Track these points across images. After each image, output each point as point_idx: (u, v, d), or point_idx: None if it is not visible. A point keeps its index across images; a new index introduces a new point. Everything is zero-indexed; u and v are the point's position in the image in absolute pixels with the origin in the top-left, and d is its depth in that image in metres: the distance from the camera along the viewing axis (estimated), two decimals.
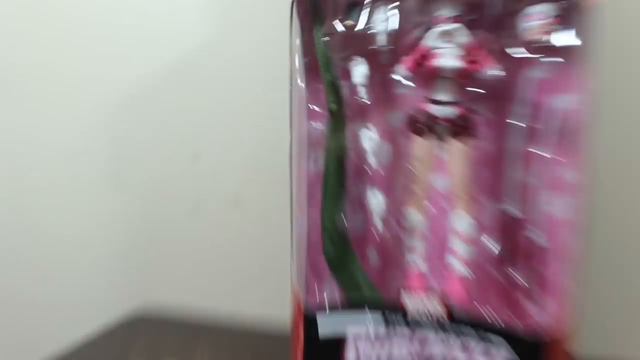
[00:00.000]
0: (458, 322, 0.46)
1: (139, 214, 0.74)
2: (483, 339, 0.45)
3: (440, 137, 0.48)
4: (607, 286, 0.63)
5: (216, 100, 0.71)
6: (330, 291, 0.51)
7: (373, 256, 0.52)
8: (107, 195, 0.74)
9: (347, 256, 0.50)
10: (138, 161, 0.75)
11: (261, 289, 0.71)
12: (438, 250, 0.51)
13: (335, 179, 0.50)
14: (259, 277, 0.71)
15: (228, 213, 0.73)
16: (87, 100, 0.74)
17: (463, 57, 0.45)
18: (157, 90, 0.71)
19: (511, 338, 0.45)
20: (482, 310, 0.47)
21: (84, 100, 0.74)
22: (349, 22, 0.48)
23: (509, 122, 0.48)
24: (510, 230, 0.49)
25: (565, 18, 0.44)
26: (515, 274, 0.49)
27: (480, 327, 0.45)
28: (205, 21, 0.69)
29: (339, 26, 0.48)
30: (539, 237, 0.47)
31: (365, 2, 0.48)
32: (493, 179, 0.50)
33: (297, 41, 0.48)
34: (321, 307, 0.48)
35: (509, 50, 0.46)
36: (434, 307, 0.47)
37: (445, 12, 0.46)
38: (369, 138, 0.50)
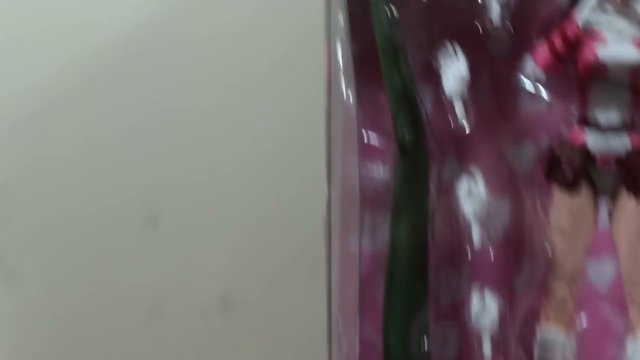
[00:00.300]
0: None
1: (56, 324, 0.59)
2: None
3: (603, 191, 0.37)
4: None
5: (188, 133, 0.56)
6: None
7: None
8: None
9: None
10: (50, 233, 0.59)
11: None
12: None
13: (409, 267, 0.39)
14: None
15: (212, 323, 0.56)
16: None
17: None
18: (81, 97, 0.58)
19: None
20: None
21: None
22: None
23: None
24: None
25: None
26: None
27: None
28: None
29: None
30: None
31: None
32: None
33: (341, 19, 0.38)
34: None
35: None
36: None
37: None
38: (473, 194, 0.37)
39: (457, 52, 0.37)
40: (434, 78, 0.38)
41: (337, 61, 0.37)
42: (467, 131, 0.39)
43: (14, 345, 0.62)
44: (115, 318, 0.61)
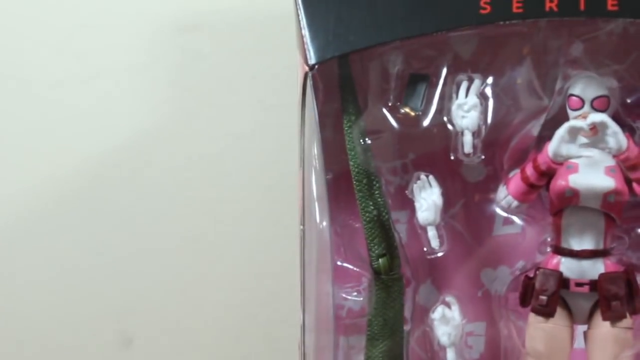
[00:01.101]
0: None
1: None
2: None
3: (578, 316, 0.37)
4: None
5: (159, 254, 0.56)
6: None
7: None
8: None
9: None
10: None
11: None
12: None
13: None
14: None
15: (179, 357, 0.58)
16: None
17: (620, 172, 0.36)
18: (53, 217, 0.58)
19: None
20: None
21: None
22: (410, 110, 0.37)
23: None
24: None
25: None
26: None
27: None
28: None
29: (392, 117, 0.38)
30: None
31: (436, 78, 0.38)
32: None
33: (314, 146, 0.37)
34: None
35: None
36: None
37: (586, 90, 0.36)
38: (448, 320, 0.37)
39: (431, 180, 0.36)
40: (408, 204, 0.37)
41: (311, 190, 0.36)
42: (444, 257, 0.38)
43: None
44: (85, 343, 0.61)
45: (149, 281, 0.60)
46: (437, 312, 0.36)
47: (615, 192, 0.35)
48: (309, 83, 0.35)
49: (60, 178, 0.60)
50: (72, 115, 0.60)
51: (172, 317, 0.59)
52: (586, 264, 0.35)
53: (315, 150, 0.36)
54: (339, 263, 0.38)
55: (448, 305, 0.36)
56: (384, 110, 0.37)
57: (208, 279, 0.57)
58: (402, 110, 0.36)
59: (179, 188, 0.59)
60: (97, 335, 0.60)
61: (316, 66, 0.34)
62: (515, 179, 0.36)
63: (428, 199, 0.35)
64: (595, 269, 0.35)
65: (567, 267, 0.35)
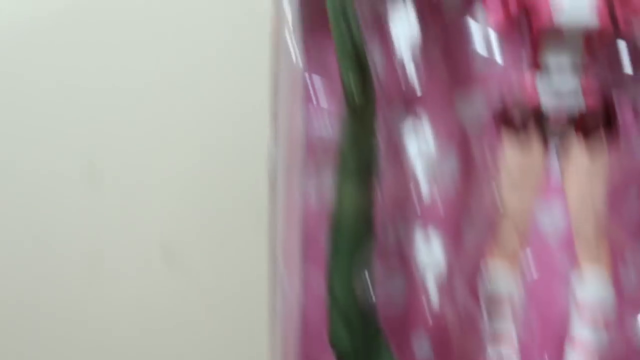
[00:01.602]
0: None
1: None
2: None
3: (553, 139, 0.38)
4: None
5: (127, 83, 0.56)
6: None
7: (423, 350, 0.42)
8: None
9: (376, 351, 0.40)
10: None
11: None
12: (545, 339, 0.42)
13: (356, 215, 0.39)
14: None
15: (153, 273, 0.57)
16: None
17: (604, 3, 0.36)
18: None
19: None
20: None
21: None
22: None
23: None
24: None
25: None
26: None
27: None
28: None
29: None
30: None
31: None
32: None
33: None
34: None
35: None
36: None
37: None
38: (421, 143, 0.39)
39: (408, 6, 0.37)
40: (384, 32, 0.38)
41: (285, 14, 0.37)
42: (418, 87, 0.39)
43: None
44: (55, 270, 0.61)
45: (115, 111, 0.58)
46: (409, 135, 0.38)
47: (598, 18, 0.35)
48: None
49: None
50: None
51: (139, 145, 0.58)
52: (565, 88, 0.36)
53: None
54: (312, 93, 0.39)
55: (424, 135, 0.38)
56: None
57: (173, 107, 0.56)
58: None
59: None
60: (64, 168, 0.60)
61: None
62: (494, 3, 0.36)
63: (404, 23, 0.36)
64: (574, 93, 0.36)
65: (545, 93, 0.36)
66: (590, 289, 0.38)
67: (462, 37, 0.39)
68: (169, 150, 0.59)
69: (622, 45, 0.39)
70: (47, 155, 0.61)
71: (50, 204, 0.60)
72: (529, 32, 0.37)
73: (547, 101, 0.37)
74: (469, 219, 0.40)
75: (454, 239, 0.40)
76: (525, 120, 0.37)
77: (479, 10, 0.38)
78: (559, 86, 0.36)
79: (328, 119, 0.40)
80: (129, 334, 0.61)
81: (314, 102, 0.40)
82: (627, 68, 0.39)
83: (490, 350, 0.39)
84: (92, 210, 0.60)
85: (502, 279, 0.39)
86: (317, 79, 0.40)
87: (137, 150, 0.60)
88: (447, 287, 0.40)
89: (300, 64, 0.38)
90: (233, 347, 0.58)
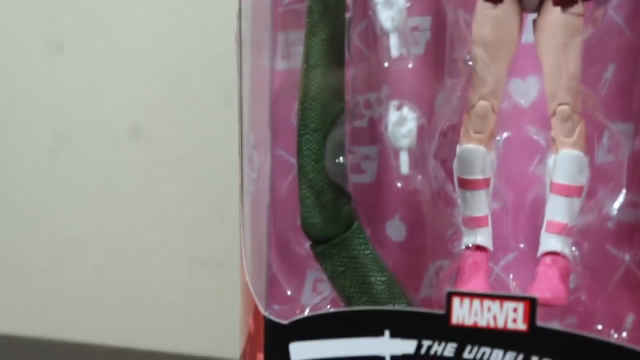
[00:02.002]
0: (551, 338, 0.35)
1: None
2: None
3: (528, 5, 0.36)
4: None
5: None
6: (314, 296, 0.42)
7: (397, 231, 0.40)
8: None
9: (348, 230, 0.38)
10: None
11: (179, 292, 0.58)
12: (518, 216, 0.40)
13: (324, 84, 0.37)
14: (176, 269, 0.58)
15: (121, 152, 0.57)
16: None
17: None
18: None
19: None
20: (597, 320, 0.40)
21: None
22: None
23: None
24: None
25: None
26: None
27: (593, 347, 0.34)
28: None
29: None
30: None
31: None
32: (627, 82, 0.38)
33: None
34: (299, 328, 0.37)
35: None
36: (510, 317, 0.35)
37: None
38: (392, 4, 0.35)
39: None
40: None
41: None
42: None
43: None
44: (19, 148, 0.63)
45: None
46: None
47: None
48: None
49: None
50: None
51: (106, 18, 0.58)
52: None
53: None
54: None
55: None
56: None
57: None
58: None
59: None
60: (27, 40, 0.60)
61: None
62: None
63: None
64: None
65: None
66: (564, 171, 0.37)
67: None
68: (138, 23, 0.58)
69: None
70: (8, 24, 0.60)
71: (10, 75, 0.60)
72: None
73: None
74: (443, 92, 0.38)
75: (426, 112, 0.37)
76: None
77: None
78: None
79: None
80: (94, 213, 0.61)
81: None
82: None
83: (464, 232, 0.37)
84: (56, 84, 0.59)
85: (476, 157, 0.36)
86: None
87: (103, 21, 0.59)
88: (419, 162, 0.37)
89: None
90: (202, 225, 0.59)
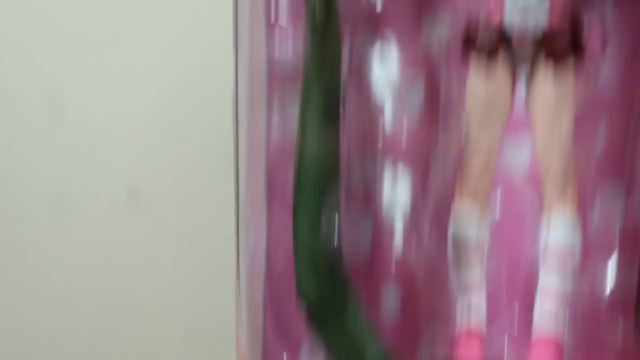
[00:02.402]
0: None
1: None
2: None
3: (521, 67, 0.37)
4: None
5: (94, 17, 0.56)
6: None
7: (392, 300, 0.40)
8: None
9: (343, 300, 0.39)
10: None
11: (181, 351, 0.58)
12: (513, 284, 0.40)
13: (320, 148, 0.38)
14: (171, 336, 0.58)
15: (115, 216, 0.57)
16: None
17: None
18: None
19: None
20: None
21: None
22: None
23: None
24: None
25: None
26: None
27: None
28: None
29: None
30: None
31: None
32: (619, 146, 0.39)
33: None
34: None
35: None
36: None
37: None
38: (386, 66, 0.38)
39: None
40: None
41: None
42: (380, 8, 0.37)
43: None
44: (17, 214, 0.61)
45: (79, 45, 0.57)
46: (377, 64, 0.37)
47: None
48: None
49: None
50: None
51: (105, 84, 0.57)
52: (532, 10, 0.36)
53: None
54: (273, 14, 0.37)
55: (388, 55, 0.36)
56: None
57: (139, 44, 0.56)
58: None
59: None
60: (26, 104, 0.59)
61: None
62: None
63: None
64: (542, 15, 0.36)
65: (512, 15, 0.35)
66: (558, 232, 0.38)
67: None
68: (134, 89, 0.58)
69: None
70: (6, 90, 0.60)
71: (10, 142, 0.60)
72: None
73: (513, 19, 0.36)
74: (436, 154, 0.38)
75: (421, 176, 0.38)
76: (492, 41, 0.36)
77: None
78: (526, 3, 0.36)
79: (291, 41, 0.38)
80: (93, 278, 0.60)
81: (275, 20, 0.37)
82: None
83: (459, 300, 0.38)
84: (54, 149, 0.59)
85: (471, 220, 0.38)
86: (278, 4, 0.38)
87: (102, 87, 0.58)
88: (414, 230, 0.38)
89: None
90: (198, 291, 0.59)
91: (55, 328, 0.62)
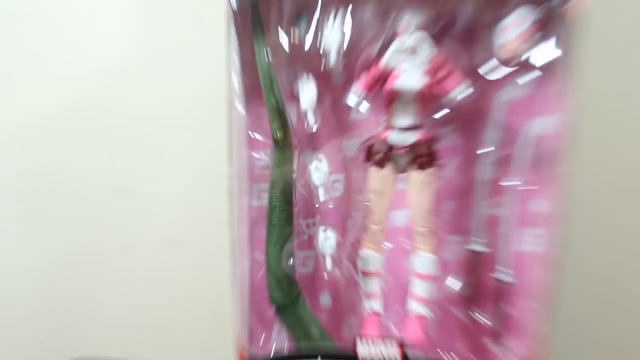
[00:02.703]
0: None
1: (64, 258, 0.70)
2: None
3: (400, 168, 0.47)
4: (579, 324, 0.63)
5: (145, 127, 0.67)
6: (278, 340, 0.51)
7: (326, 301, 0.52)
8: (25, 239, 0.70)
9: (296, 301, 0.50)
10: (58, 199, 0.69)
11: (200, 340, 0.69)
12: (397, 292, 0.50)
13: (281, 216, 0.49)
14: (197, 326, 0.69)
15: (162, 255, 0.69)
16: None
17: (427, 76, 0.44)
18: (78, 117, 0.66)
19: None
20: (443, 355, 0.49)
21: None
22: (297, 35, 0.45)
23: (478, 150, 0.48)
24: (475, 268, 0.49)
25: (546, 25, 0.43)
26: (480, 315, 0.49)
27: None
28: (133, 42, 0.65)
29: (285, 40, 0.46)
30: (506, 274, 0.48)
31: (314, 10, 0.45)
32: (458, 212, 0.50)
33: (235, 57, 0.45)
34: (267, 356, 0.48)
35: (481, 69, 0.46)
36: (391, 353, 0.45)
37: (408, 20, 0.44)
38: (320, 170, 0.49)
39: (310, 82, 0.46)
40: (296, 98, 0.47)
41: (234, 87, 0.46)
42: (317, 132, 0.48)
43: (43, 279, 0.70)
44: (102, 253, 0.70)
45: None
46: (313, 165, 0.48)
47: (423, 90, 0.44)
48: (232, 17, 0.44)
49: None
50: None
51: (167, 166, 0.66)
52: (407, 134, 0.45)
53: (236, 60, 0.45)
54: (252, 135, 0.48)
55: (320, 162, 0.48)
56: (281, 34, 0.46)
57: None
58: (292, 34, 0.45)
59: None
60: (99, 185, 0.68)
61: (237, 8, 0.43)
62: (362, 80, 0.45)
63: (308, 91, 0.46)
64: (412, 137, 0.45)
65: (394, 137, 0.45)
66: (423, 263, 0.48)
67: (344, 100, 0.47)
68: (172, 174, 0.68)
69: (437, 105, 0.46)
70: (96, 176, 0.69)
71: (99, 210, 0.69)
72: (385, 94, 0.45)
73: (396, 138, 0.45)
74: (351, 220, 0.49)
75: (341, 232, 0.49)
76: (383, 154, 0.45)
77: (355, 84, 0.46)
78: (402, 127, 0.45)
79: (262, 154, 0.49)
80: (144, 295, 0.70)
81: (253, 140, 0.47)
82: (441, 119, 0.47)
83: (364, 302, 0.48)
84: (125, 213, 0.69)
85: (371, 259, 0.48)
86: (254, 126, 0.47)
87: (153, 173, 0.68)
88: (337, 262, 0.49)
89: (245, 118, 0.47)
90: (209, 305, 0.68)
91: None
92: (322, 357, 0.47)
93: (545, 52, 0.44)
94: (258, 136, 0.49)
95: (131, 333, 0.70)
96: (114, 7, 0.64)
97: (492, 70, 0.46)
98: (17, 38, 0.65)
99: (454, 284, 0.50)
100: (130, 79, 0.64)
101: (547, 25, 0.44)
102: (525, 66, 0.45)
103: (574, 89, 0.44)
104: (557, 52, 0.44)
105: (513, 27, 0.44)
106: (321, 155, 0.49)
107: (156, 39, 0.64)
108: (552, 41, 0.44)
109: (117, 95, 0.65)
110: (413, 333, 0.48)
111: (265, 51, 0.46)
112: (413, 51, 0.44)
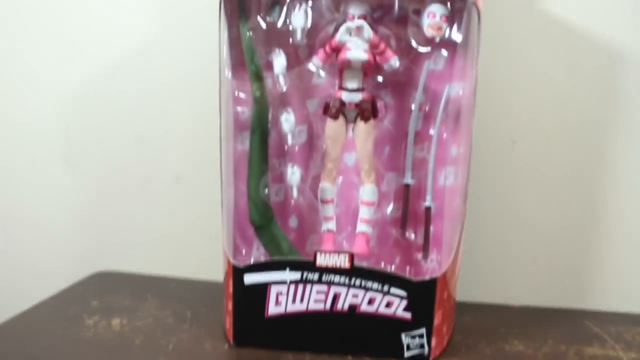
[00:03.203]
0: (361, 271, 0.53)
1: (93, 192, 0.81)
2: (381, 282, 0.53)
3: (349, 120, 0.56)
4: (484, 240, 0.74)
5: (157, 91, 0.78)
6: (256, 252, 0.60)
7: (293, 223, 0.60)
8: (63, 176, 0.81)
9: (271, 222, 0.59)
10: (91, 146, 0.81)
11: (199, 252, 0.79)
12: (347, 216, 0.59)
13: (259, 156, 0.57)
14: (197, 242, 0.80)
15: (171, 189, 0.80)
16: (44, 91, 0.80)
17: (370, 50, 0.53)
18: (106, 83, 0.78)
19: (404, 282, 0.53)
20: (382, 262, 0.59)
21: (41, 91, 0.80)
22: (271, 19, 0.55)
23: (409, 106, 0.57)
24: (407, 198, 0.58)
25: (455, 17, 0.53)
26: (410, 233, 0.59)
27: (379, 274, 0.53)
28: (145, 24, 0.76)
29: (262, 23, 0.55)
30: (430, 202, 0.58)
31: (285, 1, 0.55)
32: (394, 154, 0.59)
33: (225, 35, 0.54)
34: (249, 268, 0.55)
35: (409, 44, 0.54)
36: (342, 262, 0.53)
37: (354, 10, 0.54)
38: (288, 121, 0.57)
39: (282, 54, 0.55)
40: (271, 66, 0.56)
41: (224, 58, 0.54)
42: (287, 92, 0.57)
43: (76, 207, 0.81)
44: (124, 188, 0.81)
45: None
46: (283, 117, 0.57)
47: (368, 60, 0.53)
48: (222, 5, 0.52)
49: None
50: None
51: (174, 120, 0.76)
52: (354, 94, 0.54)
53: (225, 37, 0.53)
54: (237, 94, 0.56)
55: (289, 115, 0.57)
56: (259, 18, 0.54)
57: None
58: (267, 19, 0.54)
59: None
60: (121, 136, 0.79)
61: None
62: (321, 53, 0.54)
63: (279, 61, 0.54)
64: (359, 96, 0.54)
65: (345, 97, 0.55)
66: (367, 193, 0.57)
67: (307, 67, 0.55)
68: (177, 125, 0.77)
69: (377, 72, 0.54)
70: (120, 129, 0.79)
71: (122, 154, 0.79)
72: (338, 64, 0.53)
73: (345, 97, 0.54)
74: (312, 160, 0.59)
75: (305, 169, 0.59)
76: (337, 109, 0.54)
77: (314, 54, 0.54)
78: (350, 88, 0.53)
79: (245, 108, 0.57)
80: (158, 219, 0.80)
81: (238, 98, 0.56)
82: (381, 83, 0.55)
83: (323, 224, 0.58)
84: (141, 157, 0.79)
85: (327, 190, 0.57)
86: (239, 87, 0.55)
87: (162, 125, 0.78)
88: (302, 192, 0.58)
89: (231, 81, 0.55)
90: (206, 225, 0.77)
91: None
92: (290, 267, 0.54)
93: (454, 36, 0.54)
94: (242, 95, 0.57)
95: (147, 250, 0.81)
96: None
97: (418, 46, 0.56)
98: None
99: (391, 210, 0.60)
100: (145, 55, 0.75)
101: (455, 17, 0.53)
102: (443, 44, 0.55)
103: (475, 64, 0.55)
104: (461, 37, 0.54)
105: (430, 17, 0.54)
106: (290, 110, 0.58)
107: (165, 21, 0.74)
108: (458, 27, 0.54)
109: (135, 66, 0.76)
110: (359, 247, 0.57)
111: (247, 31, 0.55)
112: (359, 30, 0.53)
